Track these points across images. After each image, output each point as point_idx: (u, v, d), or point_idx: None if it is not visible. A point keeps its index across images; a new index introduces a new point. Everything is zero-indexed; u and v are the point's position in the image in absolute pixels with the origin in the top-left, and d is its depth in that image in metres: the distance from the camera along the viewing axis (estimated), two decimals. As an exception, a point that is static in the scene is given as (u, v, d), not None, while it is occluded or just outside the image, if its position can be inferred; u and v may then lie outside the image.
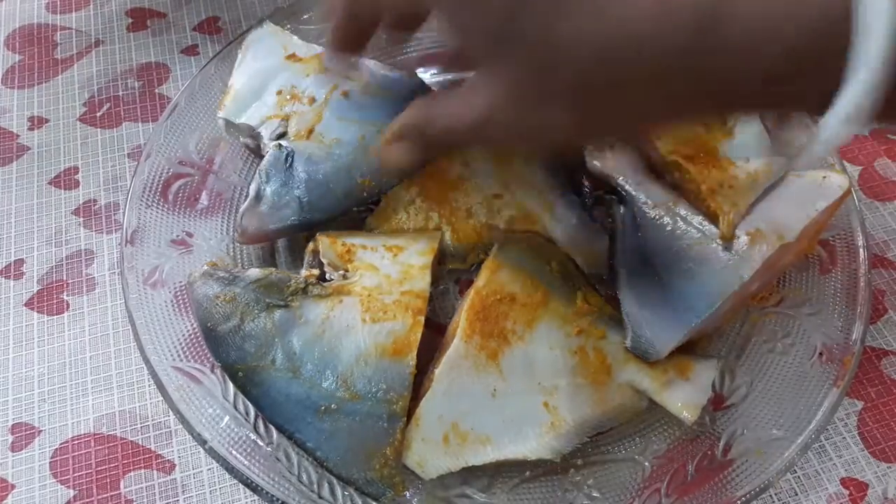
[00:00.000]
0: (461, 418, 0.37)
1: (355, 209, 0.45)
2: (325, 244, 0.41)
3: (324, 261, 0.41)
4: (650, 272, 0.42)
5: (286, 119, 0.45)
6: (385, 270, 0.40)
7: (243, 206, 0.43)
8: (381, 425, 0.36)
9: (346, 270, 0.40)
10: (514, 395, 0.38)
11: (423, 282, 0.40)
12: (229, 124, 0.46)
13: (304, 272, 0.41)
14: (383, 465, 0.36)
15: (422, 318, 0.38)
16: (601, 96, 0.29)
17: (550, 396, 0.38)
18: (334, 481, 0.37)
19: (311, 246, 0.42)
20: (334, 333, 0.38)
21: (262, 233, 0.43)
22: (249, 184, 0.45)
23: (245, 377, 0.37)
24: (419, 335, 0.38)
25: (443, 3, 0.32)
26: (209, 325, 0.38)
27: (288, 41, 0.48)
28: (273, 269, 0.40)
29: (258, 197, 0.43)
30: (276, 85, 0.46)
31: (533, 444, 0.37)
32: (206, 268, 0.40)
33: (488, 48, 0.31)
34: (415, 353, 0.38)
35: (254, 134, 0.45)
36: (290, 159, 0.43)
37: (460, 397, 0.38)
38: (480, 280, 0.40)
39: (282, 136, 0.44)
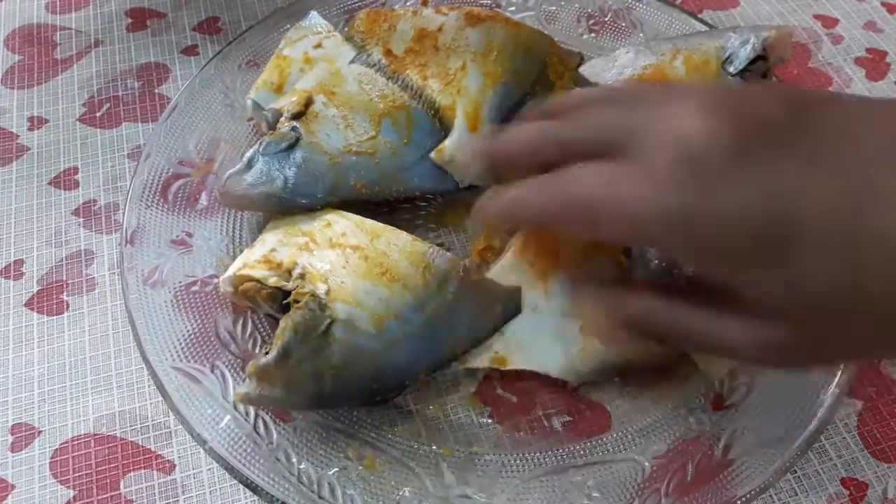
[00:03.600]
0: None
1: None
2: (260, 273, 0.39)
3: (280, 283, 0.39)
4: (655, 266, 0.42)
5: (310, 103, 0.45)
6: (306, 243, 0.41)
7: (232, 169, 0.43)
8: (465, 290, 0.39)
9: (289, 273, 0.39)
10: (554, 315, 0.40)
11: (349, 218, 0.41)
12: (258, 107, 0.47)
13: (300, 296, 0.38)
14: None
15: (384, 227, 0.40)
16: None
17: (588, 324, 0.39)
18: (334, 481, 0.37)
19: (241, 290, 0.40)
20: (371, 297, 0.38)
21: (243, 199, 0.43)
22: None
23: (376, 382, 0.38)
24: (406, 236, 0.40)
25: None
26: (314, 396, 0.36)
27: (328, 37, 0.50)
28: (287, 317, 0.37)
29: (249, 164, 0.43)
30: (307, 80, 0.47)
31: (558, 362, 0.39)
32: (249, 371, 0.36)
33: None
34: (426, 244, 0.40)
35: (278, 116, 0.46)
36: (295, 140, 0.44)
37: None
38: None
39: (299, 115, 0.45)
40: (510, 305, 0.40)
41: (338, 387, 0.37)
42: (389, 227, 0.42)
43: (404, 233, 0.41)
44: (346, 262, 0.39)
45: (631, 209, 0.29)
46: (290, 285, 0.39)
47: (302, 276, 0.39)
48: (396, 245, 0.40)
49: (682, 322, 0.32)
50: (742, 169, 0.28)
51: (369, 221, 0.42)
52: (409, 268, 0.39)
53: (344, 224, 0.41)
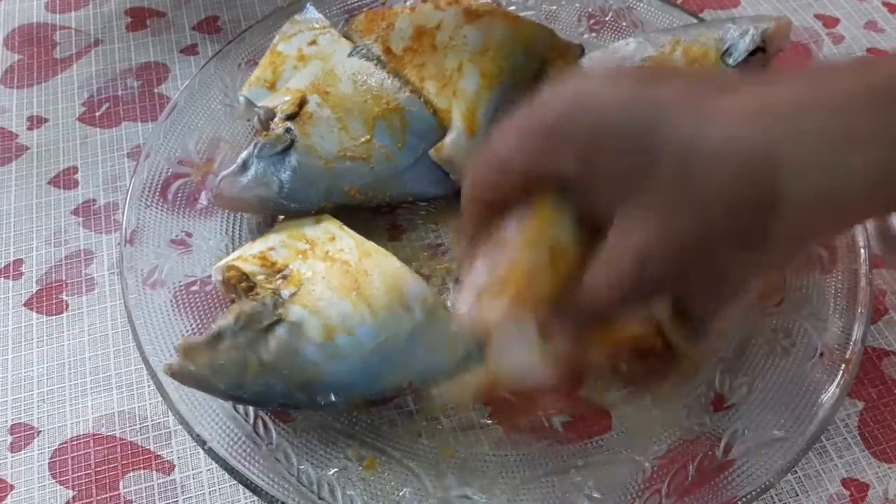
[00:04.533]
0: None
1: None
2: (247, 266, 0.40)
3: (258, 278, 0.39)
4: None
5: (304, 103, 0.45)
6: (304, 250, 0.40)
7: (226, 171, 0.43)
8: (434, 322, 0.37)
9: (277, 272, 0.39)
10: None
11: (350, 235, 0.41)
12: (250, 104, 0.47)
13: (262, 290, 0.38)
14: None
15: (376, 247, 0.40)
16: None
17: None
18: (334, 482, 0.37)
19: (222, 277, 0.41)
20: (333, 307, 0.37)
21: (237, 202, 0.43)
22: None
23: (300, 394, 0.37)
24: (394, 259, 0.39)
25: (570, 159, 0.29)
26: (233, 387, 0.36)
27: (323, 33, 0.49)
28: (237, 305, 0.38)
29: (244, 167, 0.43)
30: (301, 77, 0.47)
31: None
32: (180, 344, 0.36)
33: (628, 184, 0.28)
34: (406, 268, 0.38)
35: (271, 115, 0.46)
36: (290, 143, 0.44)
37: None
38: None
39: (293, 116, 0.45)
40: (474, 351, 0.36)
41: (261, 384, 0.36)
42: (384, 252, 0.40)
43: (396, 259, 0.40)
44: (326, 274, 0.39)
45: None
46: (264, 281, 0.39)
47: (285, 278, 0.39)
48: (380, 267, 0.39)
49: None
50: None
51: (370, 243, 0.41)
52: (382, 290, 0.38)
53: (346, 242, 0.41)
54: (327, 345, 0.37)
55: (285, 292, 0.38)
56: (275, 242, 0.41)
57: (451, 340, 0.38)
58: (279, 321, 0.37)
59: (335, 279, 0.38)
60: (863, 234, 0.44)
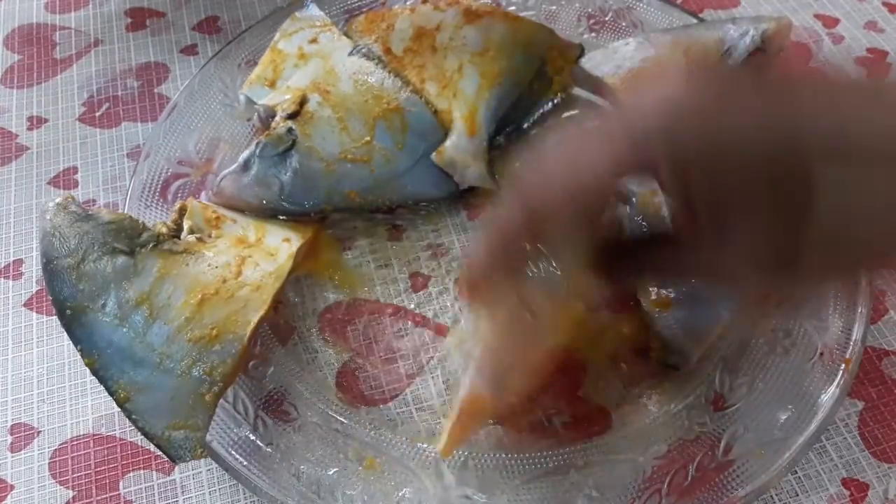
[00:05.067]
0: None
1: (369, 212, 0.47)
2: (196, 207, 0.42)
3: (187, 222, 0.41)
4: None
5: (304, 102, 0.46)
6: (245, 248, 0.41)
7: (228, 169, 0.44)
8: (196, 388, 0.36)
9: (209, 236, 0.41)
10: None
11: (280, 266, 0.40)
12: (250, 102, 0.47)
13: (157, 225, 0.40)
14: (190, 427, 0.35)
15: (267, 300, 0.39)
16: None
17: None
18: (334, 481, 0.37)
19: (179, 203, 0.42)
20: (172, 292, 0.38)
21: (237, 200, 0.44)
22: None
23: (72, 315, 0.37)
24: (259, 317, 0.38)
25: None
26: (50, 255, 0.37)
27: (324, 31, 0.50)
28: (128, 215, 0.40)
29: (246, 166, 0.44)
30: (302, 76, 0.47)
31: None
32: (61, 200, 0.39)
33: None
34: (249, 333, 0.37)
35: (271, 114, 0.46)
36: (291, 144, 0.44)
37: None
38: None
39: (294, 115, 0.45)
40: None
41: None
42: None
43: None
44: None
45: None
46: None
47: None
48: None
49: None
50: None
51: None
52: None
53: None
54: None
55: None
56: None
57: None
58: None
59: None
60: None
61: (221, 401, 0.38)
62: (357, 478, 0.37)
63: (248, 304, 0.38)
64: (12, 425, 0.42)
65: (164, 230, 0.40)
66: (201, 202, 0.42)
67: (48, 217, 0.38)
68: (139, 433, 0.35)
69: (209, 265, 0.39)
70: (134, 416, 0.36)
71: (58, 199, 0.39)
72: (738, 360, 0.42)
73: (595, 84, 0.50)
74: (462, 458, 0.39)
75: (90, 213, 0.39)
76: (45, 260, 0.37)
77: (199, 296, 0.38)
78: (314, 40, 0.49)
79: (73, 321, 0.37)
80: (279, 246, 0.42)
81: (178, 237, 0.40)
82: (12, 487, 0.39)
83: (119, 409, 0.35)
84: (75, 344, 0.36)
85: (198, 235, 0.41)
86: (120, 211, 0.40)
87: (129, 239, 0.38)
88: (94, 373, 0.36)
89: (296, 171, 0.43)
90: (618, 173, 0.30)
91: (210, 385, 0.36)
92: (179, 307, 0.37)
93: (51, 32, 0.60)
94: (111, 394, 0.36)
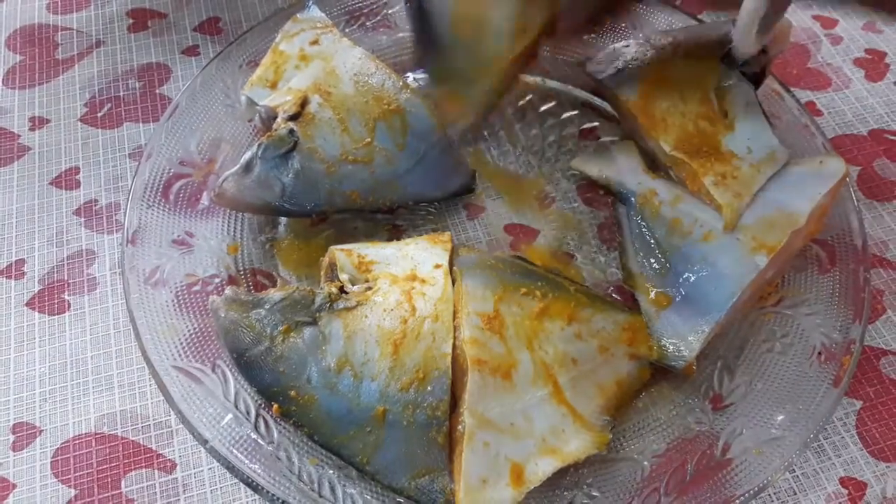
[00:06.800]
0: (510, 452, 0.36)
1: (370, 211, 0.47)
2: (342, 258, 0.41)
3: (342, 276, 0.40)
4: (665, 270, 0.42)
5: (305, 103, 0.46)
6: (405, 281, 0.40)
7: (230, 171, 0.44)
8: (426, 433, 0.36)
9: (366, 281, 0.40)
10: (536, 408, 0.37)
11: (443, 287, 0.39)
12: (251, 103, 0.47)
13: (325, 286, 0.40)
14: (432, 472, 0.36)
15: (450, 327, 0.38)
16: None
17: (561, 394, 0.38)
18: (335, 480, 0.37)
19: (325, 260, 0.42)
20: (366, 348, 0.38)
21: (239, 201, 0.44)
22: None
23: (283, 399, 0.37)
24: (450, 346, 0.37)
25: None
26: (240, 350, 0.38)
27: (325, 32, 0.49)
28: (294, 286, 0.40)
29: (248, 168, 0.44)
30: (303, 77, 0.47)
31: (575, 444, 0.37)
32: (227, 293, 0.39)
33: None
34: (449, 364, 0.37)
35: (272, 115, 0.46)
36: (293, 145, 0.44)
37: (499, 439, 0.36)
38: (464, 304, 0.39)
39: (295, 117, 0.45)
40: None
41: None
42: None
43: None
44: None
45: None
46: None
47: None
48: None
49: None
50: None
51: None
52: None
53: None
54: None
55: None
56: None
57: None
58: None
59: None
60: (860, 234, 0.44)
61: (222, 400, 0.38)
62: (357, 476, 0.37)
63: (435, 336, 0.38)
64: (14, 424, 0.42)
65: (333, 290, 0.39)
66: (343, 249, 0.41)
67: (222, 314, 0.38)
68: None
69: (384, 310, 0.38)
70: (378, 476, 0.36)
71: (226, 292, 0.39)
72: (736, 359, 0.42)
73: None
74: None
75: (260, 297, 0.39)
76: (237, 355, 0.38)
77: (392, 344, 0.37)
78: (315, 42, 0.49)
79: (287, 403, 0.37)
80: (433, 273, 0.40)
81: (345, 291, 0.40)
82: (14, 486, 0.40)
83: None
84: (297, 426, 0.37)
85: (359, 286, 0.40)
86: (282, 284, 0.41)
87: (305, 308, 0.38)
88: (325, 446, 0.37)
89: (297, 172, 0.44)
90: None
91: (438, 426, 0.36)
92: (378, 360, 0.37)
93: (53, 33, 0.60)
94: (348, 461, 0.37)
